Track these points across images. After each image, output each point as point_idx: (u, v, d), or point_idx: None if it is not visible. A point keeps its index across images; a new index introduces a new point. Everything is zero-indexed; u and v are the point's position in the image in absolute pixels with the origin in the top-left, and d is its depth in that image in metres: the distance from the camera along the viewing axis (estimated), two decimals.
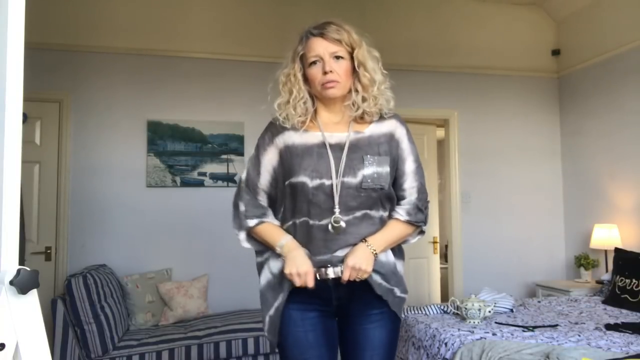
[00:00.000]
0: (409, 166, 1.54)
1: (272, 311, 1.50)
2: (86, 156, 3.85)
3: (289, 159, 1.48)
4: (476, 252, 4.59)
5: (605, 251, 4.14)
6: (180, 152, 4.02)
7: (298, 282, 1.40)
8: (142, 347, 3.08)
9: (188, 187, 4.03)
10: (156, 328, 3.47)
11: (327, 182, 1.44)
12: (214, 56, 4.13)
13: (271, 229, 1.51)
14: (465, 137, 4.67)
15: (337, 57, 1.45)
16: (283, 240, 1.47)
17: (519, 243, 4.69)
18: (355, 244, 1.46)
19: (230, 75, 4.16)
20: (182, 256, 3.95)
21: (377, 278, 1.49)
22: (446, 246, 5.18)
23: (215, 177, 4.08)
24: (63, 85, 3.83)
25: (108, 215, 3.85)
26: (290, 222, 1.50)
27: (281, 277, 1.47)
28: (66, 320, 2.97)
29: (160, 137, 3.99)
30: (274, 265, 1.51)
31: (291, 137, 1.50)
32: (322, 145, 1.47)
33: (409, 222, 1.52)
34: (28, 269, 0.82)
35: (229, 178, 4.10)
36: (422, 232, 1.58)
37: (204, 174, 4.06)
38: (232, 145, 4.12)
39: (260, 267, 1.58)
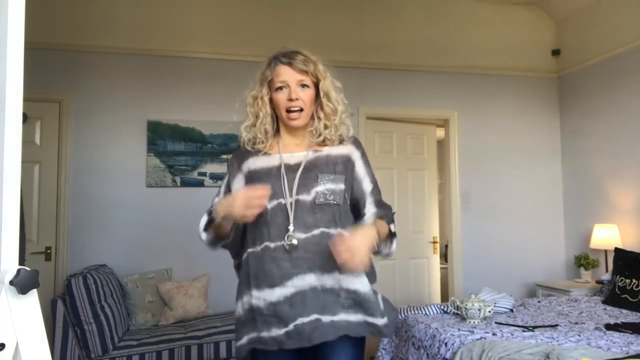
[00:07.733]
0: (366, 186, 1.59)
1: (238, 343, 1.52)
2: (86, 156, 3.85)
3: (251, 184, 1.50)
4: (476, 252, 4.59)
5: (605, 251, 4.14)
6: (180, 152, 4.02)
7: (255, 211, 1.35)
8: (142, 347, 3.08)
9: (188, 187, 4.03)
10: (156, 328, 3.47)
11: (282, 201, 1.47)
12: (214, 56, 4.14)
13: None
14: (465, 137, 4.67)
15: (303, 86, 1.52)
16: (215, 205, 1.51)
17: (519, 243, 4.69)
18: (319, 264, 1.43)
19: (231, 75, 4.16)
20: (182, 256, 3.95)
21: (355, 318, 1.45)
22: (446, 246, 5.17)
23: (215, 177, 4.08)
24: (63, 85, 3.83)
25: (108, 215, 3.85)
26: (252, 249, 1.50)
27: (249, 316, 1.48)
28: (66, 320, 2.97)
29: (160, 137, 3.99)
30: (246, 300, 1.50)
31: (254, 162, 1.56)
32: (280, 167, 1.52)
33: (381, 218, 1.54)
34: (28, 269, 0.82)
35: None
36: (393, 235, 1.55)
37: (204, 174, 4.06)
38: (232, 145, 4.12)
39: (237, 291, 1.56)
